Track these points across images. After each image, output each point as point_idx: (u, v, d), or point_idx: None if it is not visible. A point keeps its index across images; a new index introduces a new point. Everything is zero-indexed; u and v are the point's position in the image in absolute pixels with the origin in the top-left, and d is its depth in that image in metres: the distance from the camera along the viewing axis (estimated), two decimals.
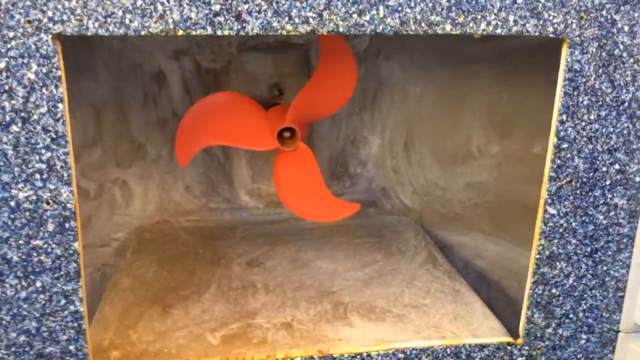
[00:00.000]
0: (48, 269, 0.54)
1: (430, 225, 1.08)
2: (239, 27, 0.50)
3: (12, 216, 0.52)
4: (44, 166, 0.51)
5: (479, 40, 0.95)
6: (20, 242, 0.53)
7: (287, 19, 0.51)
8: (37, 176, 0.51)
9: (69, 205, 0.52)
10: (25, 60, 0.49)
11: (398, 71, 1.03)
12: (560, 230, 0.60)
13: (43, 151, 0.51)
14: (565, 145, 0.57)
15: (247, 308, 0.75)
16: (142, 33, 0.49)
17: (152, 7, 0.49)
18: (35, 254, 0.53)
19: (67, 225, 0.53)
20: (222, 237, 0.99)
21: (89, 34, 0.49)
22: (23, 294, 0.54)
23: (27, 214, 0.52)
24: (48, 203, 0.52)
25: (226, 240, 0.97)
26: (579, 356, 0.67)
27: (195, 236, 0.99)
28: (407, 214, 1.10)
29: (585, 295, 0.63)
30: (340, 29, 0.51)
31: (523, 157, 0.98)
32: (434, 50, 1.00)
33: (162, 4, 0.49)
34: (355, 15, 0.51)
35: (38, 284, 0.54)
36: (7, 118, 0.50)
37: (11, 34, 0.48)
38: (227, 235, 0.99)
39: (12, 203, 0.52)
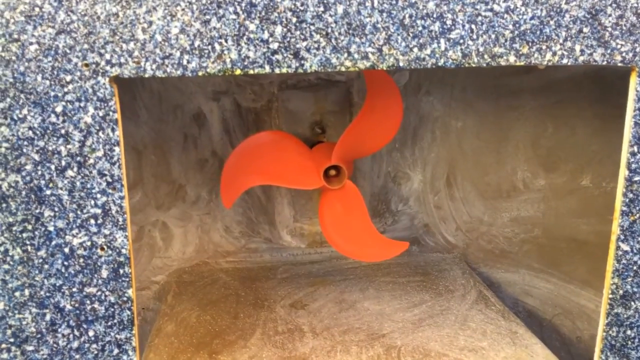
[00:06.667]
0: (101, 317, 0.52)
1: (475, 262, 1.04)
2: (297, 64, 0.49)
3: (65, 263, 0.51)
4: (99, 211, 0.50)
5: (521, 72, 0.93)
6: (74, 289, 0.51)
7: (346, 55, 0.50)
8: (92, 221, 0.50)
9: (123, 251, 0.51)
10: (82, 104, 0.48)
11: (439, 106, 1.01)
12: (635, 267, 0.56)
13: (98, 196, 0.50)
14: (637, 178, 0.54)
15: (295, 353, 0.72)
16: (200, 74, 0.48)
17: (209, 47, 0.48)
18: (88, 301, 0.51)
19: (121, 271, 0.51)
20: (262, 278, 0.96)
21: (147, 75, 0.48)
22: (75, 344, 0.52)
23: (81, 260, 0.51)
24: (103, 249, 0.51)
25: (267, 281, 0.95)
26: None
27: (235, 278, 0.96)
28: (451, 251, 1.06)
29: None
30: (401, 64, 0.50)
31: (571, 190, 0.94)
32: (474, 84, 0.98)
33: (220, 43, 0.48)
34: (415, 50, 0.50)
35: (91, 333, 0.52)
36: (63, 163, 0.49)
37: (68, 78, 0.48)
38: (268, 276, 0.97)
39: (66, 250, 0.50)
